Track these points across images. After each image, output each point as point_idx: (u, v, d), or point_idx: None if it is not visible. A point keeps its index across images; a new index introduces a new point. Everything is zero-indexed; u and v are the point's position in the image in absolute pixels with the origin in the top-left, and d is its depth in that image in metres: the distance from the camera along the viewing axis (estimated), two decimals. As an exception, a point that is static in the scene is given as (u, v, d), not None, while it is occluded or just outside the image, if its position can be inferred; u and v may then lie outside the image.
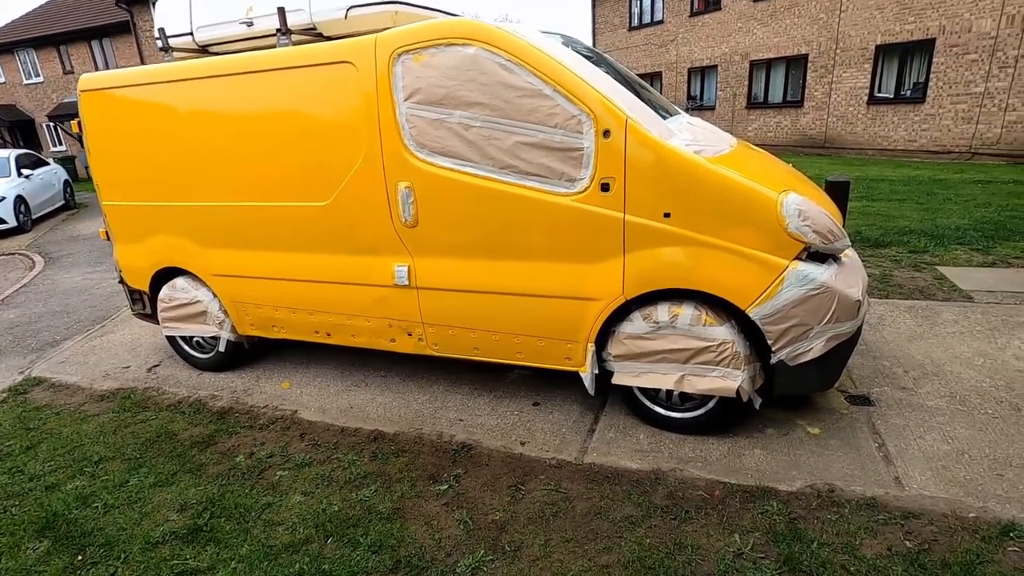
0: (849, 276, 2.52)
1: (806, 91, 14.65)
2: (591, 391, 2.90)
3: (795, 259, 2.42)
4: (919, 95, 12.42)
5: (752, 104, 16.16)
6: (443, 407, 3.28)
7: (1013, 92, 10.96)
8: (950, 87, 11.85)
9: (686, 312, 2.59)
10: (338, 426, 3.18)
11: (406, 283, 3.06)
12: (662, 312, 2.64)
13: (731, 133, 3.46)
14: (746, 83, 16.12)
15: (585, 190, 2.58)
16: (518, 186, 2.68)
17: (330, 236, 3.21)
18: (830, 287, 2.40)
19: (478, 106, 2.66)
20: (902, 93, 12.86)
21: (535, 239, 2.74)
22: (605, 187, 2.54)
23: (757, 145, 3.70)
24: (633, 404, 2.96)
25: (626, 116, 2.47)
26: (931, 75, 12.06)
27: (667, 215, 2.49)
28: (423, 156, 2.82)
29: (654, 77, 19.06)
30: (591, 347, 2.81)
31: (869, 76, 13.23)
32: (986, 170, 10.23)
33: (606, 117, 2.48)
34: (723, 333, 2.55)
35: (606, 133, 2.48)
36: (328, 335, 3.50)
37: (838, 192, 4.54)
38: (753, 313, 2.47)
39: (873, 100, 13.30)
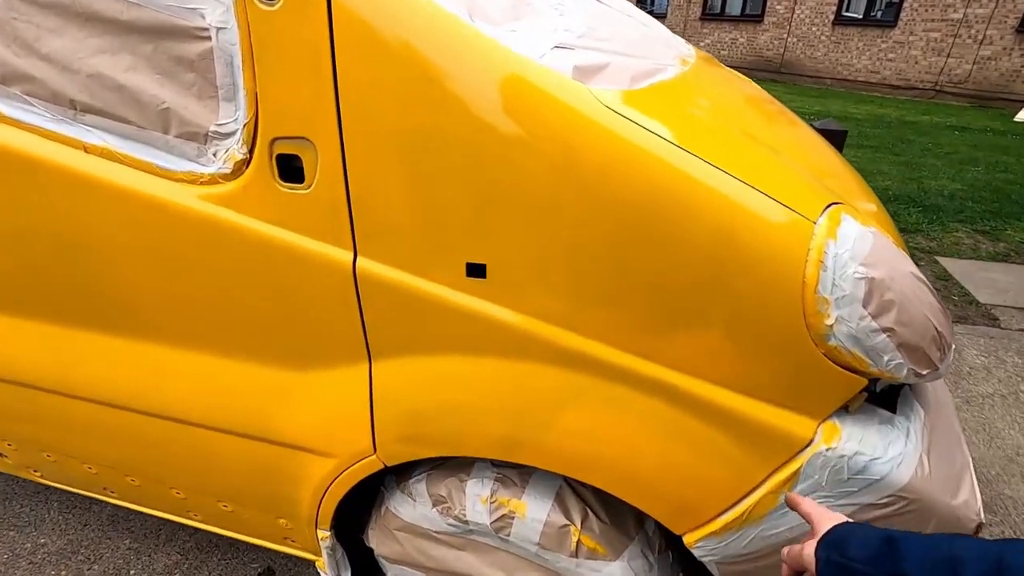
0: (948, 443, 0.98)
1: (767, 3, 12.77)
2: (343, 604, 1.33)
3: (832, 417, 0.84)
4: (891, 18, 10.89)
5: (707, 15, 14.12)
6: (75, 578, 1.62)
7: (993, 22, 9.63)
8: (926, 10, 10.36)
9: (533, 512, 0.99)
10: None
11: (-94, 352, 1.27)
12: (473, 501, 1.02)
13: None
14: (703, -12, 13.98)
15: (236, 172, 0.83)
16: (79, 145, 0.89)
17: None
18: (915, 492, 0.85)
19: None
20: (872, 14, 11.29)
21: (144, 286, 1.00)
22: (288, 165, 0.81)
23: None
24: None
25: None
26: (908, -6, 10.51)
27: (476, 269, 0.81)
28: None
29: (601, -26, 16.41)
30: (325, 535, 1.19)
31: (839, -10, 11.51)
32: (954, 113, 9.04)
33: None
34: (620, 574, 0.99)
35: (264, -21, 0.72)
36: None
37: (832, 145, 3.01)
38: (701, 547, 0.90)
39: (840, 20, 11.66)
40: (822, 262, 0.75)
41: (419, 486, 1.08)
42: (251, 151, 0.81)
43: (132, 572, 1.63)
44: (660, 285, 0.77)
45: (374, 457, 1.00)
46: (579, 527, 0.96)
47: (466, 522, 1.03)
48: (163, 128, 0.83)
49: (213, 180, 0.84)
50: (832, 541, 0.61)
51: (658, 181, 0.73)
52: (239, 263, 0.89)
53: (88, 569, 1.64)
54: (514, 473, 1.01)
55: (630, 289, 0.78)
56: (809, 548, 0.63)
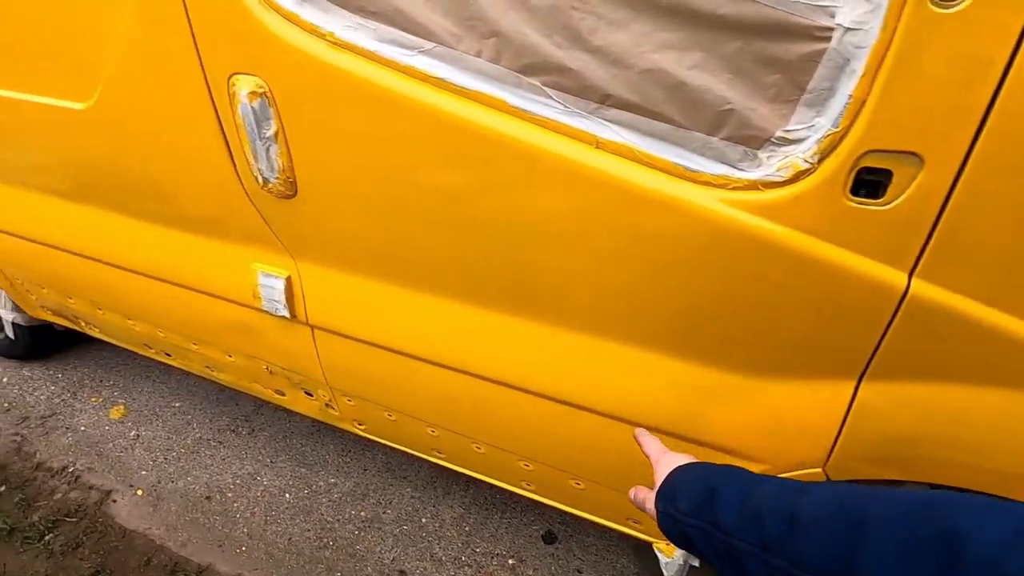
0: None
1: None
2: (675, 588, 1.37)
3: None
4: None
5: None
6: (378, 521, 1.76)
7: None
8: None
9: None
10: (168, 549, 1.67)
11: (285, 312, 1.36)
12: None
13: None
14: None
15: (791, 180, 0.78)
16: (590, 139, 0.86)
17: (115, 180, 1.41)
18: None
19: None
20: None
21: (602, 279, 0.99)
22: (860, 179, 0.75)
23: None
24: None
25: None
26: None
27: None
28: (289, 4, 0.95)
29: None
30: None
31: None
32: None
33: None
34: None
35: (955, -23, 0.64)
36: (167, 355, 1.86)
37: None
38: None
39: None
40: None
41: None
42: (820, 160, 0.75)
43: (424, 520, 1.76)
44: None
45: (819, 470, 0.98)
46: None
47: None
48: (710, 129, 0.79)
49: (750, 186, 0.80)
50: (667, 492, 0.62)
51: None
52: (740, 269, 0.86)
53: (383, 512, 1.78)
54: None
55: None
56: (652, 498, 0.64)
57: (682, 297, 0.92)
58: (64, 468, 1.92)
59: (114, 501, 1.82)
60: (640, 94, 0.80)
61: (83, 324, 1.99)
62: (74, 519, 1.75)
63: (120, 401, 2.20)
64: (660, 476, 0.65)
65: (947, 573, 0.36)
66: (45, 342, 2.32)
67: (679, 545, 0.61)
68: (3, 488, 1.85)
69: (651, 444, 0.73)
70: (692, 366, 1.00)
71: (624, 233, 0.90)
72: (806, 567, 0.44)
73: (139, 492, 1.85)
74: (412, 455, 1.84)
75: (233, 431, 2.06)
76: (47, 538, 1.69)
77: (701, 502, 0.56)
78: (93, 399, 2.21)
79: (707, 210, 0.83)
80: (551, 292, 1.02)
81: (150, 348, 1.87)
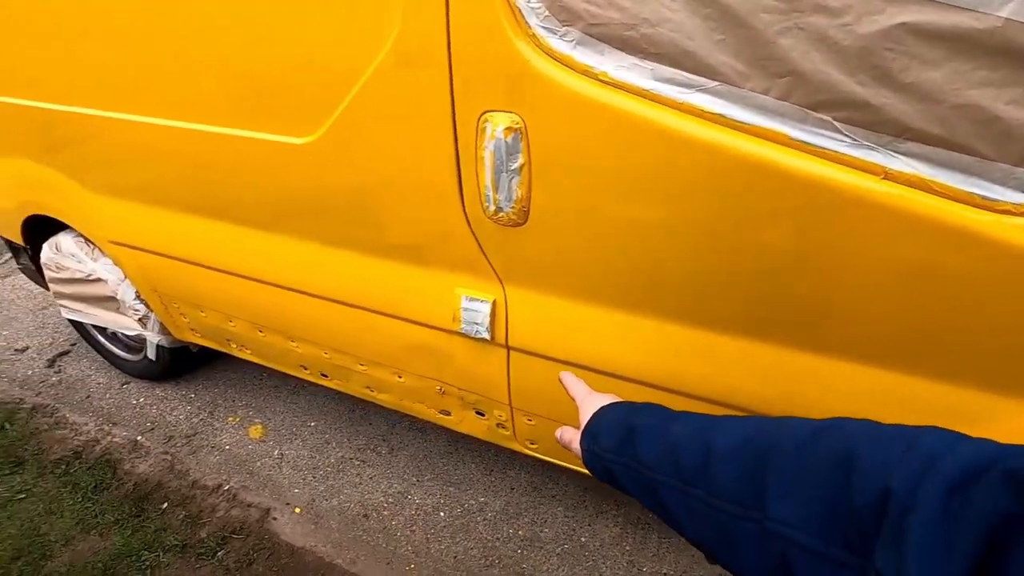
0: None
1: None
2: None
3: None
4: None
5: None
6: (538, 540, 1.78)
7: None
8: None
9: None
10: (340, 567, 1.71)
11: (486, 335, 1.41)
12: None
13: None
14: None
15: (1109, 209, 0.81)
16: (877, 170, 0.90)
17: (321, 210, 1.49)
18: None
19: None
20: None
21: (877, 305, 1.02)
22: None
23: None
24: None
25: None
26: None
27: None
28: (564, 48, 1.01)
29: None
30: None
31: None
32: None
33: None
34: None
35: None
36: (324, 376, 1.92)
37: None
38: None
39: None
40: None
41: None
42: None
43: (583, 539, 1.78)
44: None
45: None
46: None
47: None
48: (1020, 160, 0.83)
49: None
50: (591, 431, 0.64)
51: None
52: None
53: (541, 531, 1.80)
54: None
55: None
56: (578, 438, 0.66)
57: (961, 321, 0.95)
58: (219, 486, 1.98)
59: (274, 519, 1.86)
60: (945, 128, 0.84)
61: (234, 346, 2.06)
62: (241, 536, 1.80)
63: (256, 420, 2.26)
64: (585, 416, 0.68)
65: (840, 491, 0.39)
66: (180, 363, 2.40)
67: (603, 480, 0.64)
68: (165, 505, 1.91)
69: (576, 386, 0.76)
70: (948, 387, 1.02)
71: (909, 259, 0.93)
72: (720, 495, 0.47)
73: (297, 510, 1.89)
74: (556, 475, 1.88)
75: (373, 450, 2.11)
76: (219, 554, 1.74)
77: (623, 439, 0.60)
78: (230, 419, 2.27)
79: (1007, 236, 0.86)
80: (812, 318, 1.06)
81: (306, 369, 1.93)
